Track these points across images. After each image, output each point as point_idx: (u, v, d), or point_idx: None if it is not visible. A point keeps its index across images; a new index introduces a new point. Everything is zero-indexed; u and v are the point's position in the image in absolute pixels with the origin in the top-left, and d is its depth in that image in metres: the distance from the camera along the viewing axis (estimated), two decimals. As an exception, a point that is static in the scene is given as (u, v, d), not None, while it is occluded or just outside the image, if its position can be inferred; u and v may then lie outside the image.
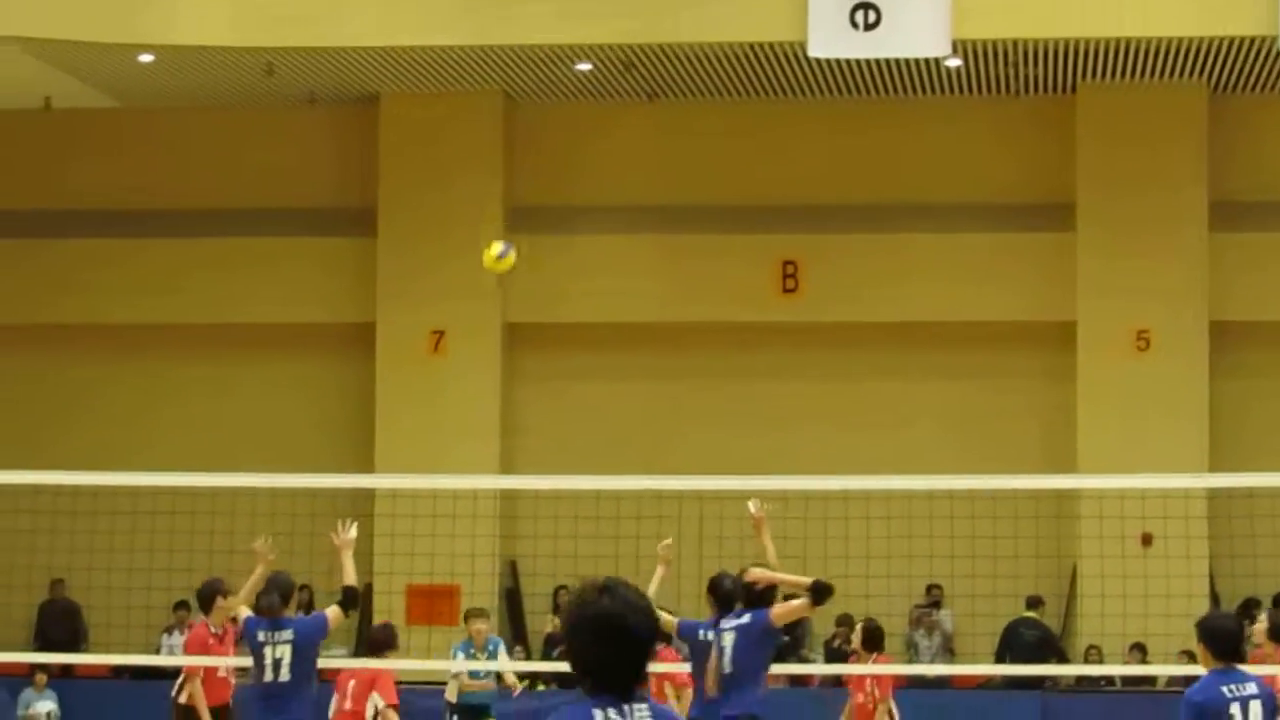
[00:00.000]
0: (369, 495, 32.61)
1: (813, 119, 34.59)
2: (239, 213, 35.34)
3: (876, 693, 22.16)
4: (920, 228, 34.36)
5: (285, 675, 17.02)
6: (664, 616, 18.49)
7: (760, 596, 17.68)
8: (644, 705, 7.52)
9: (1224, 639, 13.07)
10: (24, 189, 35.66)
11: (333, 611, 19.15)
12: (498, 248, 23.77)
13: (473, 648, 26.90)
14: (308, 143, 35.78)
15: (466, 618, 27.36)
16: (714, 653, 17.38)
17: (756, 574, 17.89)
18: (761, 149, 34.67)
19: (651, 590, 18.16)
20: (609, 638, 7.54)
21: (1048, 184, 34.34)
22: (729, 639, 17.20)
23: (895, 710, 22.46)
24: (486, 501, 32.21)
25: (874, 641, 23.08)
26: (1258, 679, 12.98)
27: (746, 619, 17.35)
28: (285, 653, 17.51)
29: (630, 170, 35.20)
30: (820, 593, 17.25)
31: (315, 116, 35.63)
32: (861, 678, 22.76)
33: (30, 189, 35.70)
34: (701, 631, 17.82)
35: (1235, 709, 12.47)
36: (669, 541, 19.90)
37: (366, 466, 33.95)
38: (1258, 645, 18.86)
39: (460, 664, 26.56)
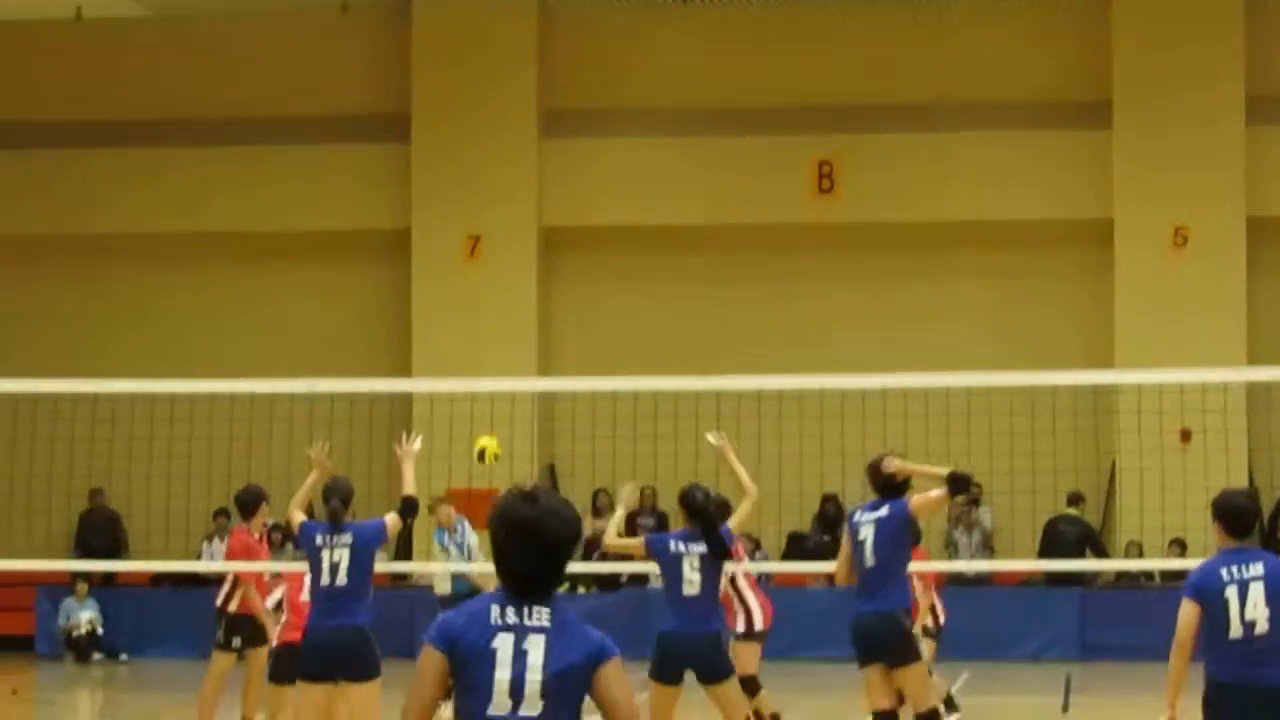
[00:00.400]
0: (406, 400, 32.66)
1: (847, 21, 34.32)
2: (274, 121, 35.25)
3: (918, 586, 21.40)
4: (957, 127, 34.19)
5: (343, 580, 16.98)
6: (629, 542, 18.96)
7: (897, 488, 17.12)
8: (546, 609, 7.98)
9: (1235, 515, 12.74)
10: (57, 101, 35.70)
11: (391, 518, 18.67)
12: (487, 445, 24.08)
13: (445, 532, 28.05)
14: (341, 50, 35.59)
15: (431, 507, 27.44)
16: (851, 547, 16.95)
17: (895, 464, 17.27)
18: (795, 51, 34.43)
19: (742, 475, 17.96)
20: (522, 541, 7.97)
21: (1084, 83, 34.15)
22: (868, 532, 16.61)
23: (940, 607, 22.33)
24: (524, 404, 32.08)
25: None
26: (1271, 558, 12.63)
27: (885, 511, 16.77)
28: (344, 557, 17.45)
29: (665, 74, 35.02)
30: (957, 483, 16.87)
31: (348, 23, 35.11)
32: None
33: (63, 101, 35.73)
34: (672, 543, 17.12)
35: (1231, 592, 12.23)
36: (719, 433, 18.88)
37: (404, 372, 33.92)
38: None
39: (442, 566, 27.85)
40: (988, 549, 33.19)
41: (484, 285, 34.73)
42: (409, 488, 18.51)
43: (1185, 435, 31.01)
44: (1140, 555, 31.00)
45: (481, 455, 24.10)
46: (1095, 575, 32.20)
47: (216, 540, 32.89)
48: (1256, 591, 12.12)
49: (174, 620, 32.32)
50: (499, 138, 34.77)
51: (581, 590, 31.34)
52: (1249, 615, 12.00)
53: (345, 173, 35.34)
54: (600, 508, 33.44)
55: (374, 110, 35.46)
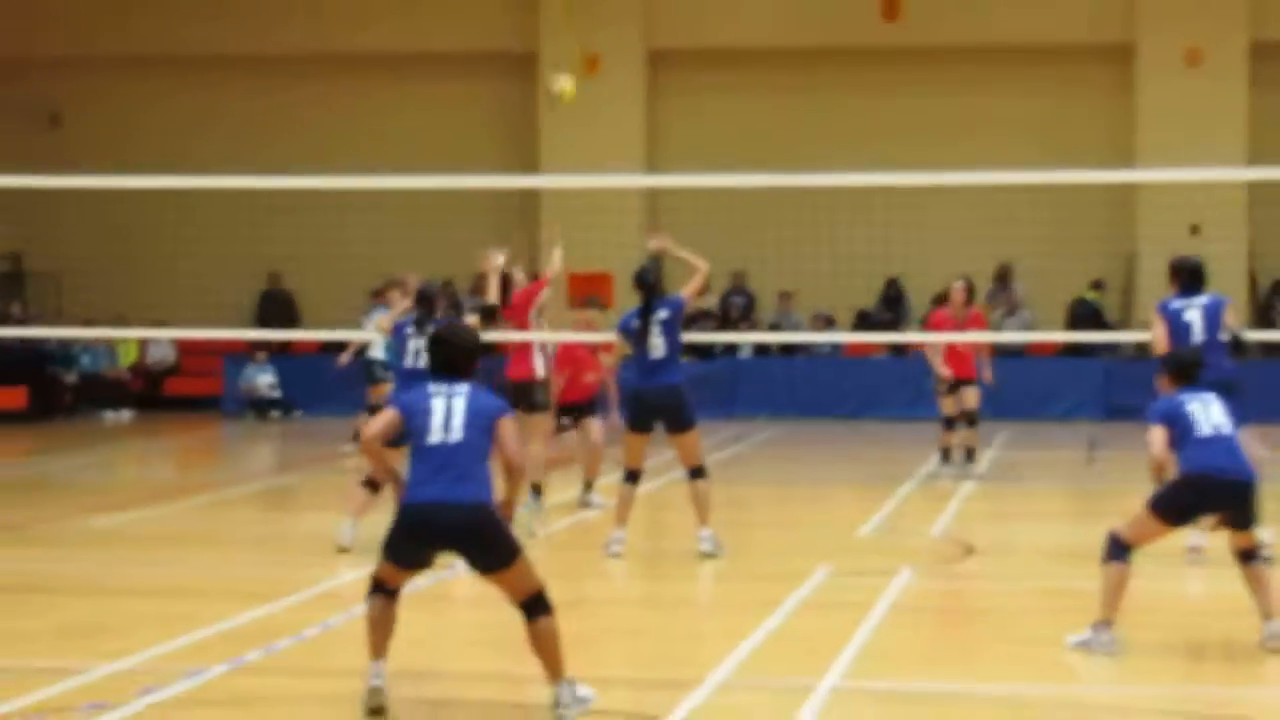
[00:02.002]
0: (535, 196, 34.25)
1: None
2: None
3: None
4: None
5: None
6: (613, 340, 18.76)
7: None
8: (464, 384, 10.82)
9: (1184, 369, 13.15)
10: None
11: (473, 319, 18.98)
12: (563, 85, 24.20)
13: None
14: None
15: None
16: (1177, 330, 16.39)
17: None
18: None
19: (689, 257, 17.96)
20: (444, 347, 11.03)
21: None
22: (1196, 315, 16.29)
23: (989, 371, 23.25)
24: (634, 199, 33.74)
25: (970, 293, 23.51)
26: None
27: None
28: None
29: None
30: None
31: None
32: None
33: None
34: (635, 321, 17.21)
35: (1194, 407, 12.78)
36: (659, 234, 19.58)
37: (532, 171, 34.55)
38: None
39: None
40: (1025, 326, 33.20)
41: (601, 98, 34.58)
42: (491, 296, 19.87)
43: (1195, 229, 32.22)
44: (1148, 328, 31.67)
45: (559, 97, 24.69)
46: (1116, 347, 32.83)
47: (374, 312, 34.49)
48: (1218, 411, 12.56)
49: (338, 383, 33.84)
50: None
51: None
52: (1216, 424, 12.47)
53: (482, 3, 36.25)
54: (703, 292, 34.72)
55: None
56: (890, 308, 34.22)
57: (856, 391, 32.73)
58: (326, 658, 12.46)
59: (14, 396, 32.99)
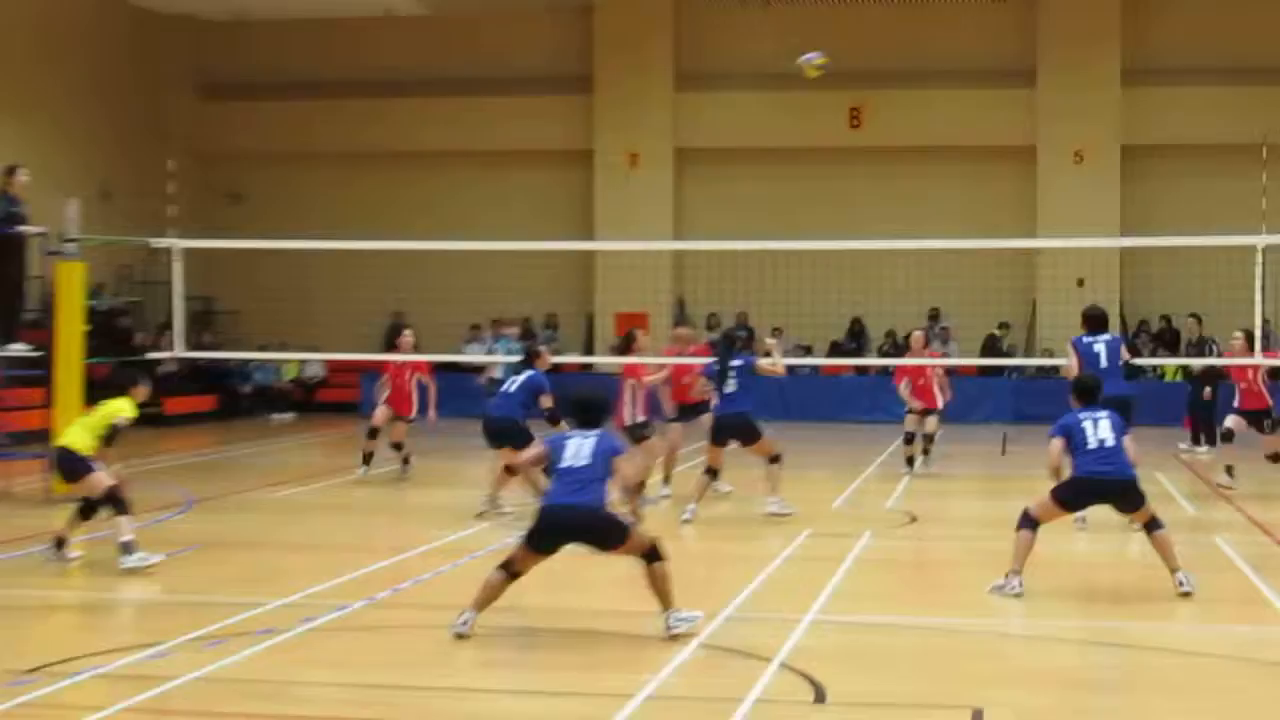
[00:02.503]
0: (591, 256, 34.18)
1: (870, 15, 34.34)
2: (505, 80, 35.58)
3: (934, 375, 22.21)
4: (938, 87, 34.23)
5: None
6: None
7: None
8: (595, 431, 11.10)
9: (1087, 392, 13.14)
10: (375, 65, 36.25)
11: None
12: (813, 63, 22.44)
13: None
14: (547, 34, 36.06)
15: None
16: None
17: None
18: (840, 39, 33.06)
19: (774, 363, 18.31)
20: (580, 406, 11.35)
21: (1017, 58, 34.25)
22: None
23: (947, 391, 22.53)
24: (664, 258, 33.21)
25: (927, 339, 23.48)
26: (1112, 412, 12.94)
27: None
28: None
29: (753, 50, 34.47)
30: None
31: (555, 19, 35.84)
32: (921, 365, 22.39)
33: (377, 65, 36.23)
34: (716, 367, 17.58)
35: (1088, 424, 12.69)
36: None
37: (589, 238, 34.54)
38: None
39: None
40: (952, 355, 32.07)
41: (640, 183, 35.10)
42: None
43: (1080, 282, 31.83)
44: (1051, 356, 31.31)
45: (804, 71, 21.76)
46: (1022, 369, 32.17)
47: (474, 344, 34.44)
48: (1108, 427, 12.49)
49: (442, 394, 33.63)
50: (649, 91, 35.22)
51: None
52: (1102, 438, 12.41)
53: (557, 114, 35.84)
54: (712, 325, 33.95)
55: (570, 75, 35.79)
56: (854, 339, 34.27)
57: (829, 401, 32.67)
58: (439, 596, 12.49)
59: (206, 402, 33.26)
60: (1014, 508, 18.57)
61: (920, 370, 22.08)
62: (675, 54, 35.65)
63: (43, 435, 19.67)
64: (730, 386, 17.53)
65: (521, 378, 17.48)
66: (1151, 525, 12.54)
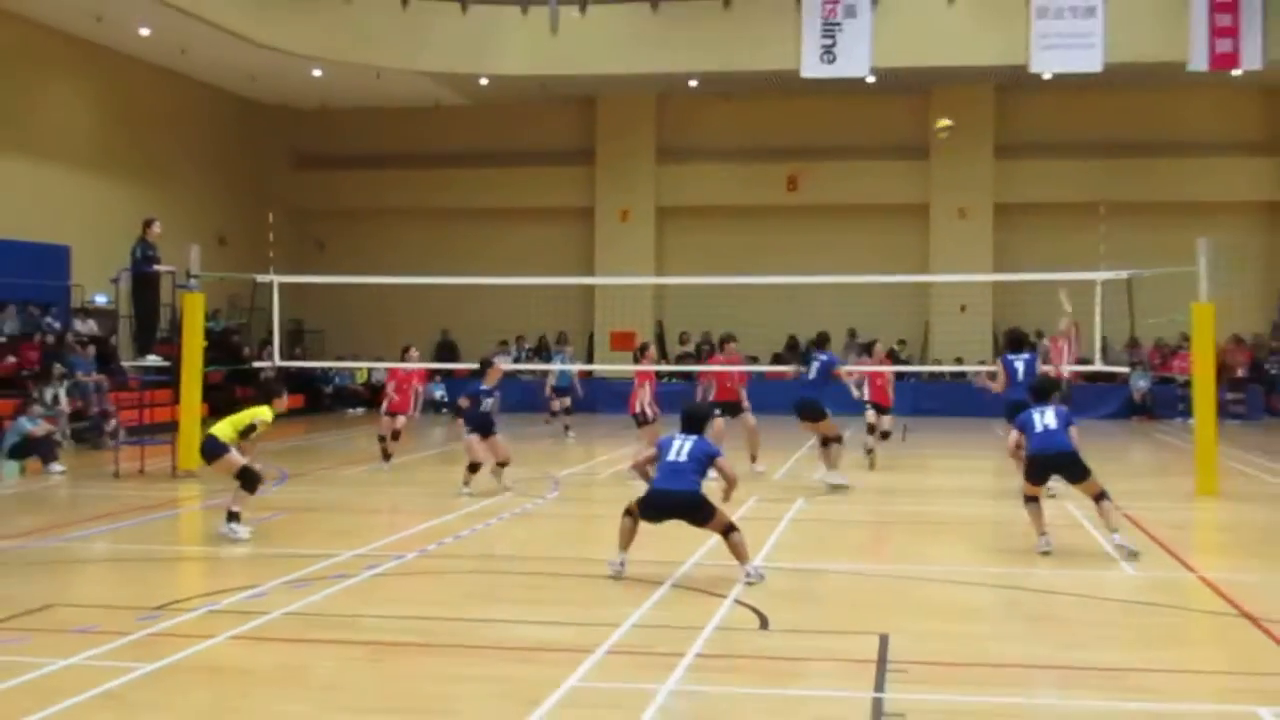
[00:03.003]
0: (591, 289, 33.88)
1: (803, 108, 34.03)
2: (525, 153, 35.59)
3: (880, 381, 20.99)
4: (855, 159, 34.19)
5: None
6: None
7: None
8: (693, 435, 11.09)
9: (1038, 393, 12.93)
10: (414, 146, 36.02)
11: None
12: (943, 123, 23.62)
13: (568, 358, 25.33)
14: (558, 117, 35.69)
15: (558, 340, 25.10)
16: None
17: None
18: (781, 122, 34.42)
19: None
20: (688, 415, 11.35)
21: (911, 134, 33.83)
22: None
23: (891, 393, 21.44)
24: (648, 290, 33.41)
25: (869, 351, 22.41)
26: (1059, 407, 12.74)
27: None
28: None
29: (717, 133, 34.96)
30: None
31: (563, 108, 35.46)
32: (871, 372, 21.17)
33: (418, 145, 35.98)
34: (810, 359, 17.82)
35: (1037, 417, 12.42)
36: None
37: (589, 274, 34.32)
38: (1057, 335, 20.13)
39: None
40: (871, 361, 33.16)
41: (630, 232, 35.00)
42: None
43: (963, 308, 31.65)
44: (939, 364, 31.44)
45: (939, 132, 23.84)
46: (920, 374, 31.86)
47: (502, 355, 34.24)
48: (1052, 415, 12.20)
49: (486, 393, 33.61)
50: (637, 162, 35.10)
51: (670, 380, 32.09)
52: (1046, 422, 12.15)
53: (566, 180, 35.63)
54: (684, 340, 33.73)
55: (576, 150, 35.62)
56: (790, 350, 33.99)
57: (770, 400, 32.39)
58: (472, 549, 12.48)
59: (297, 400, 32.77)
60: (910, 481, 18.82)
61: (879, 374, 21.28)
62: (658, 135, 35.48)
63: (170, 427, 19.70)
64: (811, 374, 17.62)
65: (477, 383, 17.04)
66: (1100, 496, 12.26)
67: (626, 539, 10.92)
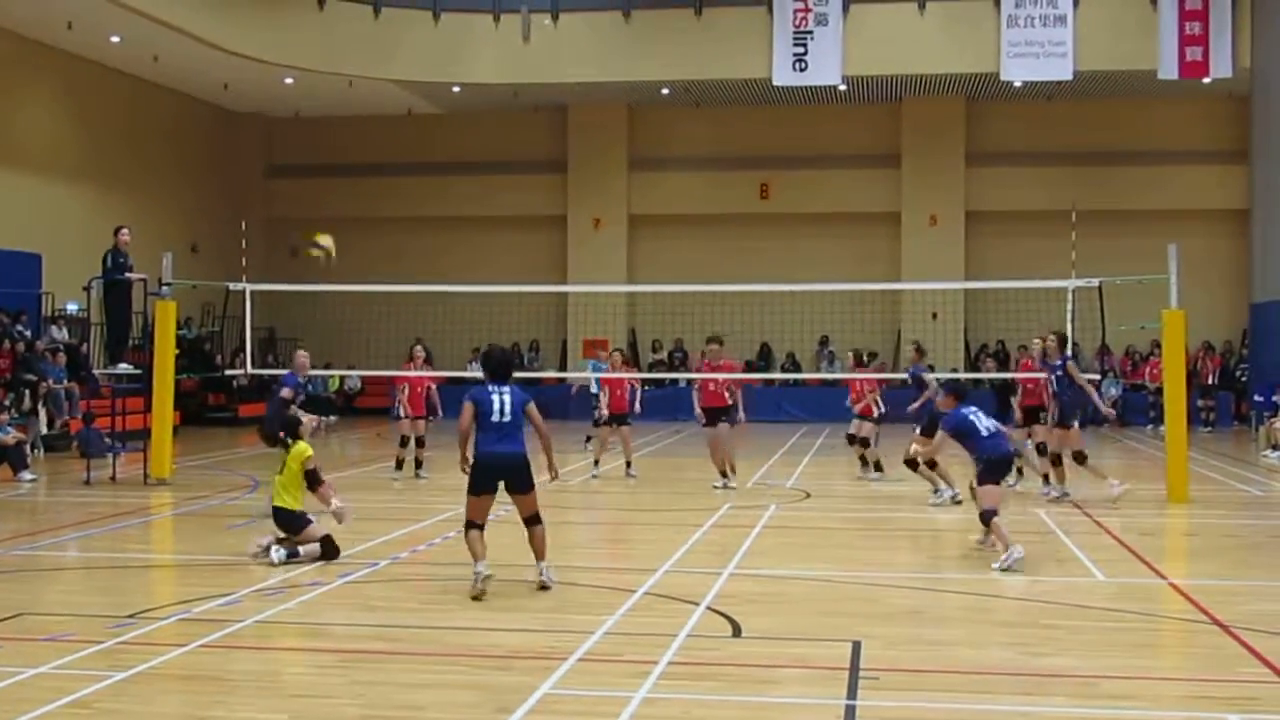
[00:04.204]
0: (564, 296, 33.94)
1: (776, 117, 34.48)
2: (503, 163, 35.64)
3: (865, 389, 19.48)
4: (826, 169, 34.44)
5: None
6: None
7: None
8: (507, 385, 10.41)
9: (958, 390, 12.73)
10: (393, 153, 36.18)
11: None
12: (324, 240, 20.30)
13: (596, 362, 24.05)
14: (531, 129, 35.81)
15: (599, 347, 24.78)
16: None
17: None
18: (753, 129, 34.69)
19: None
20: (494, 361, 10.53)
21: (882, 143, 34.38)
22: None
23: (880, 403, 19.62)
24: (620, 298, 33.34)
25: (861, 361, 20.58)
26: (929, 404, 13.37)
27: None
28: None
29: (687, 141, 35.24)
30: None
31: (537, 117, 35.66)
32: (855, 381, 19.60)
33: (396, 152, 36.16)
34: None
35: (975, 417, 12.21)
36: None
37: (563, 282, 34.47)
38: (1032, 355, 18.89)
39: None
40: (838, 370, 33.10)
41: (602, 241, 35.13)
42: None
43: (934, 315, 31.91)
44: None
45: (317, 246, 19.96)
46: (889, 380, 32.04)
47: (475, 363, 34.21)
48: (984, 417, 12.04)
49: (454, 400, 33.48)
50: (609, 170, 35.21)
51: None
52: (988, 425, 11.93)
53: (539, 188, 35.70)
54: (656, 348, 33.94)
55: (549, 158, 35.75)
56: (762, 358, 34.21)
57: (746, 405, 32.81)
58: (444, 556, 12.44)
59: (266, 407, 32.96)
60: (882, 488, 18.78)
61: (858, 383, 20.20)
62: (630, 143, 35.64)
63: (143, 434, 19.59)
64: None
65: None
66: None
67: (478, 549, 10.34)
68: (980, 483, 12.22)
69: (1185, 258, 17.61)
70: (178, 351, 19.85)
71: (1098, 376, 18.58)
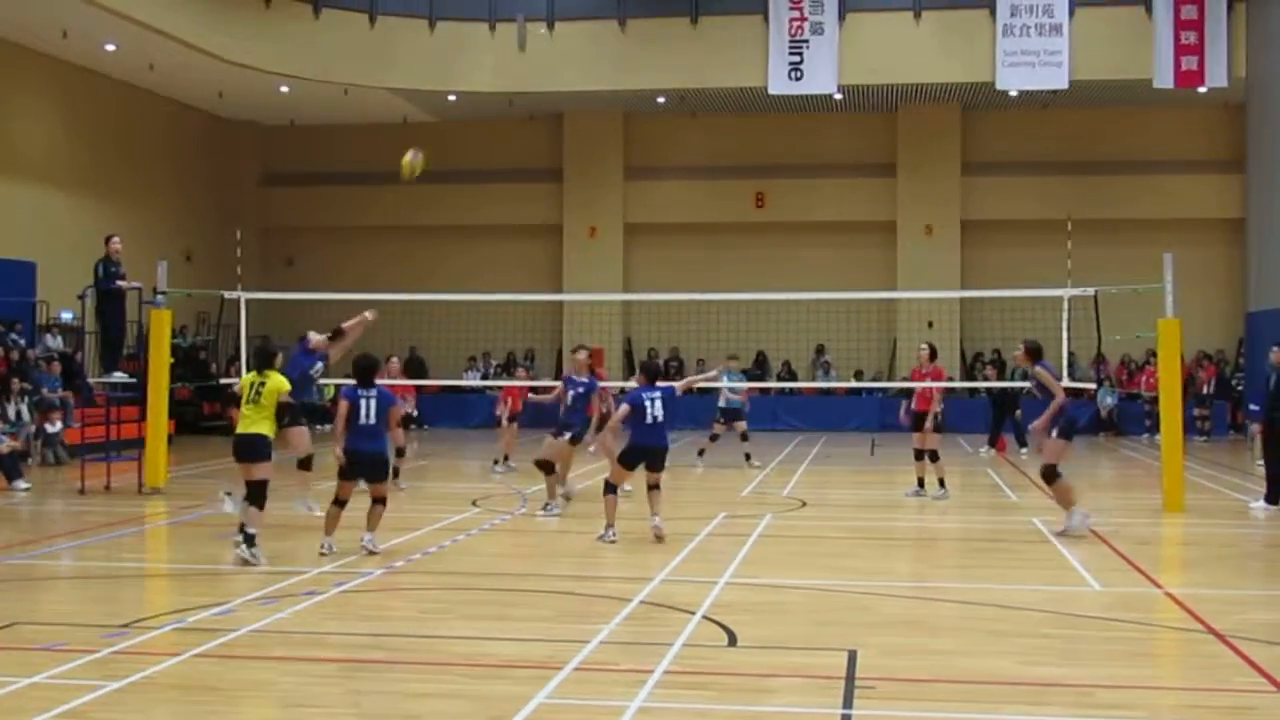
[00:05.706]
0: (559, 306, 33.89)
1: (769, 126, 34.50)
2: (505, 171, 35.64)
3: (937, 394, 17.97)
4: (823, 177, 34.38)
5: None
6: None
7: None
8: (374, 388, 12.53)
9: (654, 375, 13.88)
10: (386, 162, 36.24)
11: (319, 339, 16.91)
12: (407, 157, 18.57)
13: (733, 374, 23.13)
14: (527, 138, 35.77)
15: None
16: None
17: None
18: (747, 138, 34.65)
19: (698, 380, 16.95)
20: (361, 367, 12.87)
21: (878, 152, 34.38)
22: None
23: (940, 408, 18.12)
24: (616, 306, 33.45)
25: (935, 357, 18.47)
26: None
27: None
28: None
29: (683, 150, 35.24)
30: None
31: (532, 126, 35.58)
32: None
33: (388, 160, 36.35)
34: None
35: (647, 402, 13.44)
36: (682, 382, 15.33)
37: (558, 291, 34.39)
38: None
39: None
40: (834, 379, 33.26)
41: (598, 251, 35.07)
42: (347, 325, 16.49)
43: (930, 324, 31.71)
44: (907, 380, 31.69)
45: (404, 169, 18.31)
46: (885, 389, 31.74)
47: (471, 372, 34.57)
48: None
49: (450, 408, 33.88)
50: (605, 179, 35.15)
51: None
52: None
53: (535, 197, 35.67)
54: (651, 357, 34.41)
55: (544, 167, 35.68)
56: (758, 366, 34.16)
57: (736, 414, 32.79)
58: (440, 565, 12.42)
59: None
60: (879, 496, 18.81)
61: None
62: (625, 152, 35.58)
63: (137, 443, 19.57)
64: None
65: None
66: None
67: (332, 526, 12.80)
68: (625, 462, 13.78)
69: (1181, 267, 17.64)
70: (172, 360, 19.82)
71: (1092, 385, 18.57)
